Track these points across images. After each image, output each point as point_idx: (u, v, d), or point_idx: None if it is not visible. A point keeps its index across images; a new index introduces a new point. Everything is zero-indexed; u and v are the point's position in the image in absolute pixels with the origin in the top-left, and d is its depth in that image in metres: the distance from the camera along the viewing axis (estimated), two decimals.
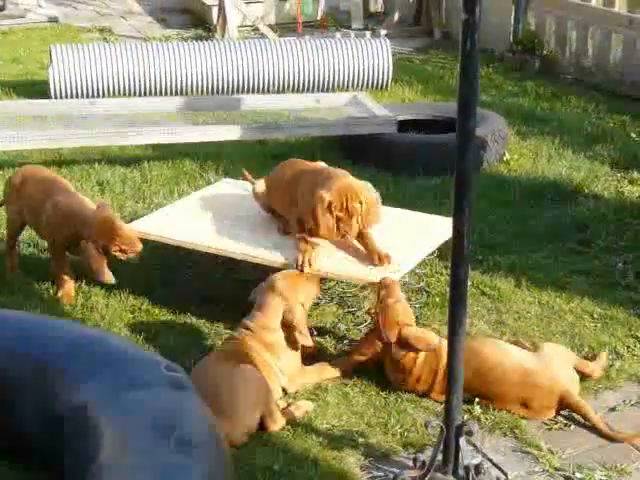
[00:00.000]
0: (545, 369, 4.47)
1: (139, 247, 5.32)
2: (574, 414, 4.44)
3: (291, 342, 4.66)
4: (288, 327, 4.65)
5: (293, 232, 5.22)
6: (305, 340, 4.66)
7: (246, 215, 5.66)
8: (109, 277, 5.30)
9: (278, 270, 4.97)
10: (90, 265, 5.31)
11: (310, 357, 4.81)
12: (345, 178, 5.13)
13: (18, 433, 3.97)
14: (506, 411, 4.45)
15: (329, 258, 5.10)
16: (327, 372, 4.76)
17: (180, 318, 5.33)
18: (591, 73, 10.07)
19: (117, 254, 5.31)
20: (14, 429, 3.98)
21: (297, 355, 4.71)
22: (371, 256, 5.05)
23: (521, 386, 4.44)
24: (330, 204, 5.00)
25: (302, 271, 4.92)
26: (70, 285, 5.55)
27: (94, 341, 4.06)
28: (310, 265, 4.96)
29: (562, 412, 4.46)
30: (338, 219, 5.03)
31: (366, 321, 5.26)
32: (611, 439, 4.28)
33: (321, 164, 5.58)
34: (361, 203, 5.04)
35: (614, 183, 7.32)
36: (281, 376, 4.60)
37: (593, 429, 4.35)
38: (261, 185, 5.65)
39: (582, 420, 4.40)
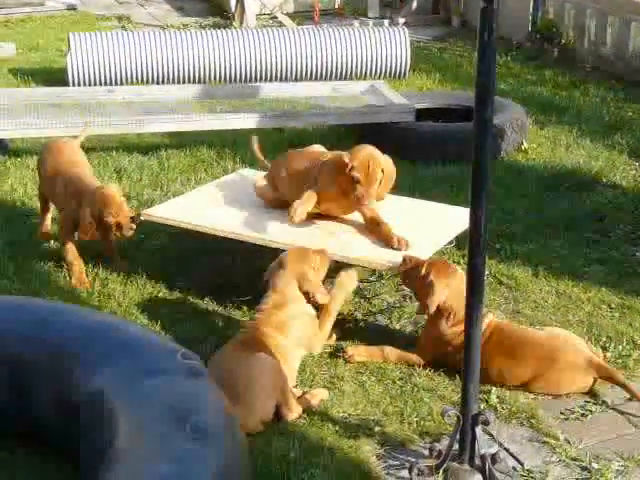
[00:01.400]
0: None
1: (134, 225, 5.45)
2: (590, 403, 4.43)
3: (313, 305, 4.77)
4: (306, 295, 4.74)
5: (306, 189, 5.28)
6: (324, 298, 4.77)
7: (262, 202, 5.65)
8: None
9: None
10: (80, 223, 5.48)
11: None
12: (369, 147, 5.23)
13: (34, 418, 3.99)
14: (530, 396, 4.45)
15: (353, 244, 5.12)
16: (333, 310, 4.83)
17: (196, 306, 5.34)
18: (610, 62, 10.03)
19: (113, 229, 5.43)
20: (30, 414, 3.99)
21: (313, 318, 4.75)
22: (389, 240, 5.07)
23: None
24: (347, 165, 5.06)
25: (290, 217, 5.11)
26: (79, 269, 5.58)
27: (110, 328, 4.07)
28: (295, 212, 5.10)
29: (578, 402, 4.46)
30: (357, 182, 5.06)
31: (382, 309, 5.26)
32: None
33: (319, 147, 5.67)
34: (382, 172, 5.11)
35: (632, 172, 7.29)
36: (302, 349, 4.65)
37: (609, 420, 4.34)
38: (263, 181, 5.66)
39: (599, 410, 4.40)
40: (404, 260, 4.84)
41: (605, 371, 4.51)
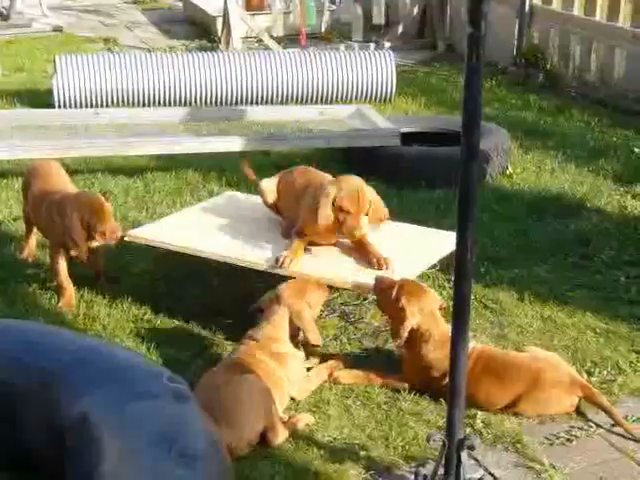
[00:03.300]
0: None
1: (119, 233, 5.43)
2: (576, 428, 4.44)
3: (300, 345, 4.72)
4: (296, 333, 4.68)
5: (293, 234, 5.27)
6: (316, 339, 4.70)
7: (249, 225, 5.68)
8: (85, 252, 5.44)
9: (282, 278, 4.99)
10: (70, 237, 5.41)
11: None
12: (354, 177, 5.25)
13: (20, 446, 3.95)
14: (515, 421, 4.45)
15: (327, 264, 5.14)
16: (324, 373, 4.79)
17: (182, 329, 5.32)
18: (594, 87, 10.08)
19: (96, 237, 5.40)
20: (17, 442, 3.96)
21: (302, 363, 4.73)
22: (370, 259, 5.08)
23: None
24: (335, 198, 5.06)
25: (281, 267, 5.04)
26: (70, 293, 5.55)
27: (96, 351, 4.04)
28: (289, 264, 5.05)
29: (563, 426, 4.46)
30: (347, 214, 5.06)
31: (367, 333, 5.26)
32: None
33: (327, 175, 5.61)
34: (370, 202, 5.12)
35: (617, 197, 7.32)
36: (290, 386, 4.61)
37: (594, 445, 4.34)
38: (268, 185, 5.66)
39: (584, 435, 4.40)
40: (377, 280, 4.84)
41: (588, 391, 4.54)
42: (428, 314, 4.64)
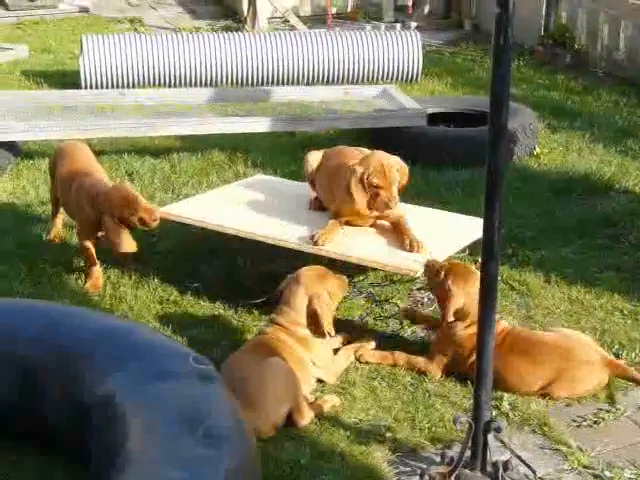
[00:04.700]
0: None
1: (158, 215, 5.39)
2: (603, 411, 4.42)
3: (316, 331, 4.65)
4: (313, 315, 4.63)
5: (329, 214, 5.30)
6: (329, 329, 4.63)
7: (281, 205, 5.68)
8: (129, 245, 5.39)
9: (306, 261, 4.99)
10: (110, 238, 5.39)
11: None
12: (377, 152, 5.26)
13: (46, 423, 3.99)
14: (542, 403, 4.44)
15: (359, 244, 5.14)
16: (352, 354, 4.80)
17: (208, 310, 5.33)
18: (622, 67, 10.00)
19: (138, 225, 5.38)
20: (42, 419, 3.99)
21: (328, 346, 4.72)
22: (403, 241, 5.07)
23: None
24: (362, 176, 5.06)
25: (315, 244, 5.03)
26: (98, 275, 5.57)
27: (122, 331, 4.07)
28: (324, 242, 5.04)
29: (590, 409, 4.45)
30: (378, 189, 5.06)
31: (394, 314, 5.26)
32: None
33: (366, 151, 5.58)
34: (398, 171, 5.15)
35: None
36: (317, 369, 4.60)
37: (621, 427, 4.32)
38: (312, 157, 5.66)
39: (611, 418, 4.38)
40: (427, 265, 4.84)
41: (619, 368, 4.56)
42: (473, 295, 4.63)
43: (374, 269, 5.37)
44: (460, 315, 4.67)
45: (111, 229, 5.37)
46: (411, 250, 5.05)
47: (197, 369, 3.73)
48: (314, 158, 5.64)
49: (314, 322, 4.62)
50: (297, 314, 4.64)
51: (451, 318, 4.65)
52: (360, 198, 5.13)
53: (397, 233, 5.18)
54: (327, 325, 4.62)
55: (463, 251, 5.55)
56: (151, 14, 13.51)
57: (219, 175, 7.31)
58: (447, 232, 5.44)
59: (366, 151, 5.55)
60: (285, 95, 8.59)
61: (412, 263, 4.94)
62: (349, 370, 4.75)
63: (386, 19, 12.52)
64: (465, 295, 4.65)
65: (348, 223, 5.29)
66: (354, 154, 5.48)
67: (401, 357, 4.79)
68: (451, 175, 7.22)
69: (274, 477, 3.90)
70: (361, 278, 5.60)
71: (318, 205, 5.55)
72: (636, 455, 4.13)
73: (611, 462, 4.08)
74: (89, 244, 5.57)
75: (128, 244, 5.38)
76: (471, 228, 5.30)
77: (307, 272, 4.76)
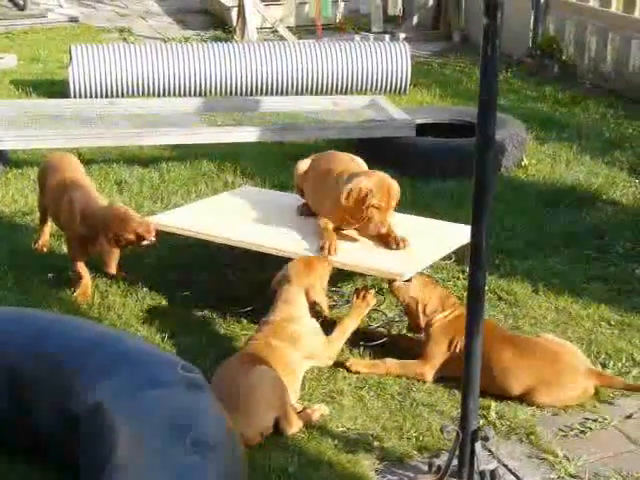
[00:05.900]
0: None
1: (153, 227, 5.36)
2: (590, 420, 4.43)
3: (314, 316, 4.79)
4: (314, 305, 4.76)
5: (319, 221, 5.30)
6: (327, 310, 4.85)
7: (269, 215, 5.67)
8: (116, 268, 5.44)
9: None
10: (103, 258, 5.40)
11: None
12: (381, 173, 5.27)
13: (34, 432, 3.98)
14: (529, 412, 4.45)
15: (353, 251, 5.16)
16: (348, 328, 4.85)
17: (196, 318, 5.33)
18: (610, 79, 10.05)
19: (135, 241, 5.36)
20: (31, 428, 3.99)
21: (320, 333, 4.76)
22: (387, 241, 5.09)
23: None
24: (366, 194, 5.06)
25: (329, 253, 5.04)
26: (86, 283, 5.57)
27: (110, 340, 4.06)
28: (334, 251, 5.06)
29: (577, 418, 4.46)
30: (376, 209, 5.07)
31: (382, 320, 5.30)
32: None
33: (357, 159, 5.60)
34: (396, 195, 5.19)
35: (632, 189, 7.30)
36: (310, 361, 4.68)
37: (608, 437, 4.34)
38: (300, 165, 5.67)
39: (598, 427, 4.39)
40: (392, 286, 4.97)
41: (606, 378, 4.60)
42: (430, 285, 4.93)
43: (361, 274, 5.40)
44: (430, 310, 4.83)
45: (105, 250, 5.37)
46: (397, 248, 5.09)
47: (186, 377, 3.73)
48: (300, 166, 5.66)
49: (315, 310, 4.77)
50: (292, 308, 4.70)
51: (423, 317, 4.84)
52: (349, 210, 5.14)
53: (380, 234, 5.19)
54: (326, 308, 4.80)
55: (449, 258, 5.57)
56: (140, 24, 13.52)
57: (208, 185, 7.32)
58: (433, 238, 5.45)
59: (357, 159, 5.57)
60: (274, 105, 8.60)
61: (397, 266, 4.97)
62: (337, 379, 4.76)
63: (375, 30, 12.56)
64: (422, 288, 4.87)
65: (337, 228, 5.30)
66: (344, 159, 5.51)
67: (392, 364, 4.81)
68: (439, 185, 7.24)
69: None
70: (347, 284, 5.62)
71: (307, 210, 5.56)
72: (623, 464, 4.14)
73: (598, 471, 4.10)
74: (80, 262, 5.57)
75: (116, 266, 5.42)
76: (457, 233, 5.33)
77: (295, 266, 4.83)
